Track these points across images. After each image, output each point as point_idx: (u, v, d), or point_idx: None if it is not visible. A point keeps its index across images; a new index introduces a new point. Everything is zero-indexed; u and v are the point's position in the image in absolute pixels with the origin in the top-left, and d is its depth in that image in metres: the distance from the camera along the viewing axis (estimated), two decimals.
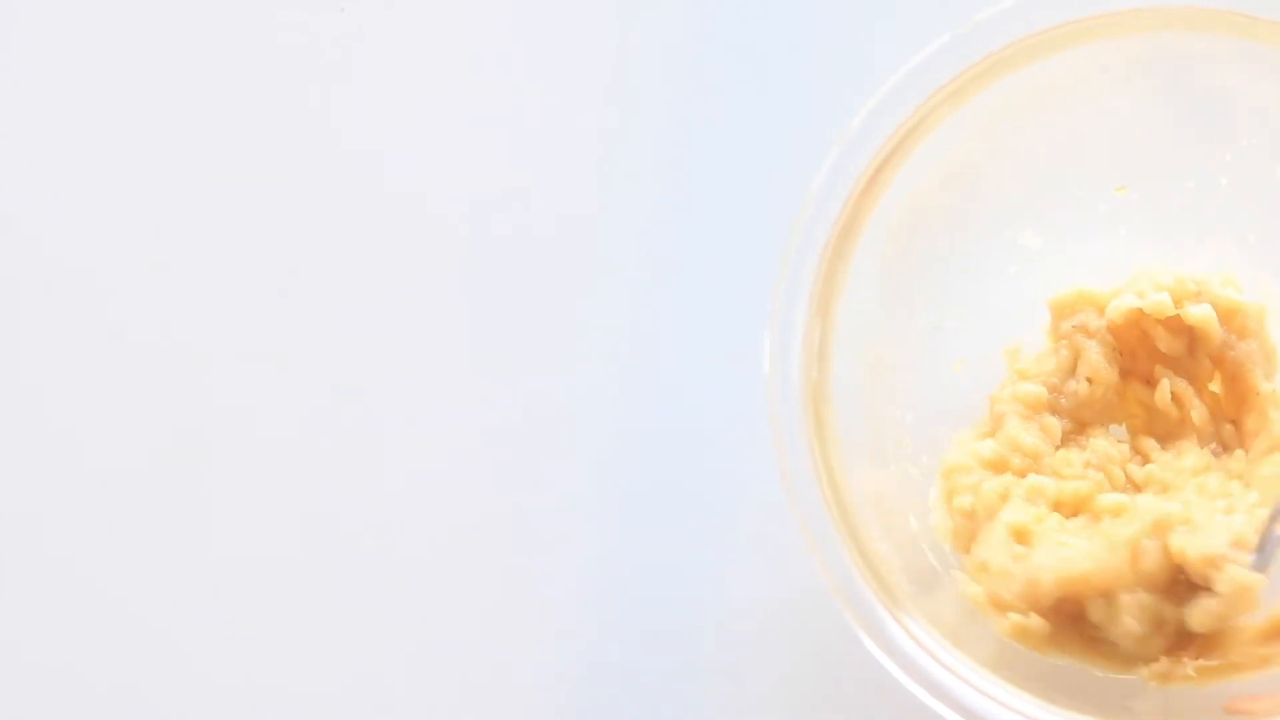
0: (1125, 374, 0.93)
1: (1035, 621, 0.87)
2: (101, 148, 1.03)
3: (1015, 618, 0.87)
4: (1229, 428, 0.92)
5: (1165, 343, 0.91)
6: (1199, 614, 0.85)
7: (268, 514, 1.01)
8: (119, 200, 1.03)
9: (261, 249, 1.03)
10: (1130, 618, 0.86)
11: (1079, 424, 0.93)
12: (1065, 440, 0.92)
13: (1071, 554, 0.86)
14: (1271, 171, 0.91)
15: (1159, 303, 0.91)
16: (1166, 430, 0.93)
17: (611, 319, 1.01)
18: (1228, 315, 0.91)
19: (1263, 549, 0.84)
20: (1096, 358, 0.92)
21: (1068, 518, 0.89)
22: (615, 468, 1.00)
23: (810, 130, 0.98)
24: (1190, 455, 0.91)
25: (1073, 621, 0.88)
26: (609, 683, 0.99)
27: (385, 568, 1.01)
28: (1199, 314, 0.90)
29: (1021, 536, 0.88)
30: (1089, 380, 0.92)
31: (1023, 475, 0.90)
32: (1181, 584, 0.86)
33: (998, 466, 0.91)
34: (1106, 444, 0.92)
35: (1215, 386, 0.92)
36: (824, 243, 0.89)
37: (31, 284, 1.03)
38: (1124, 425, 0.93)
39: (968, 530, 0.90)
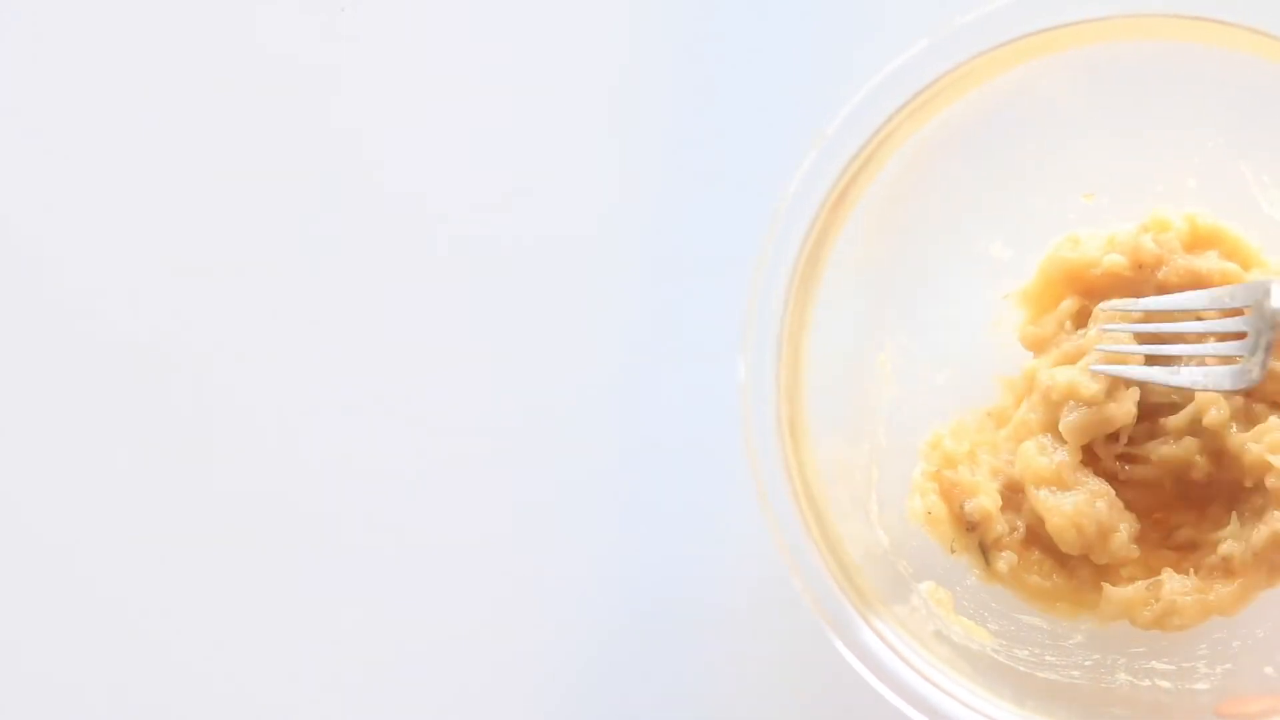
0: None
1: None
2: (101, 149, 1.04)
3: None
4: None
5: None
6: None
7: (267, 513, 1.02)
8: (119, 202, 1.03)
9: (260, 250, 1.03)
10: None
11: None
12: None
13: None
14: (1239, 174, 0.92)
15: None
16: None
17: (610, 320, 1.02)
18: None
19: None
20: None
21: None
22: (612, 468, 1.01)
23: (810, 133, 0.98)
24: None
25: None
26: (595, 680, 1.00)
27: (385, 567, 1.01)
28: None
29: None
30: None
31: None
32: None
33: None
34: None
35: None
36: (798, 248, 0.89)
37: (32, 284, 1.03)
38: None
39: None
